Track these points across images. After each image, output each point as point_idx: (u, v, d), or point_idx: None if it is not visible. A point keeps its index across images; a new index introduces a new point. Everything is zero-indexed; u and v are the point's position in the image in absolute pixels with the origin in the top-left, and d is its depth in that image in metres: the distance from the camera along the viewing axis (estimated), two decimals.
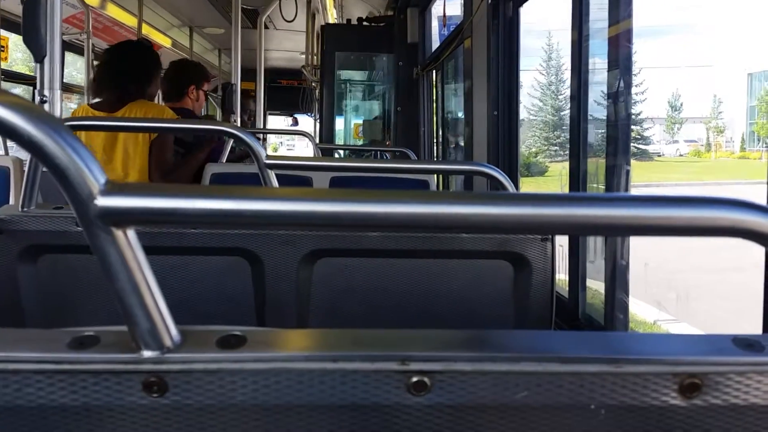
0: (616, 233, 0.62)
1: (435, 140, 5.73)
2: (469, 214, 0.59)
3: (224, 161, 3.39)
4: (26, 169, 1.78)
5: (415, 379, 0.61)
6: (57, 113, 2.24)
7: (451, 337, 0.67)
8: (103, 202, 0.56)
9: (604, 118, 2.05)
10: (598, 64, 2.10)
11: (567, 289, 2.32)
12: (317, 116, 9.36)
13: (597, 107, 2.14)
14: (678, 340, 0.68)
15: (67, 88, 6.90)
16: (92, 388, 0.60)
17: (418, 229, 0.63)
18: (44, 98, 2.12)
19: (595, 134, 2.14)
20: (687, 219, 0.60)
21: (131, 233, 0.58)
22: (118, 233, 0.57)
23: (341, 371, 0.61)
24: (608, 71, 1.96)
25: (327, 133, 6.59)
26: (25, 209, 1.75)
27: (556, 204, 0.61)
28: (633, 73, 1.91)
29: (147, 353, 0.60)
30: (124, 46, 3.29)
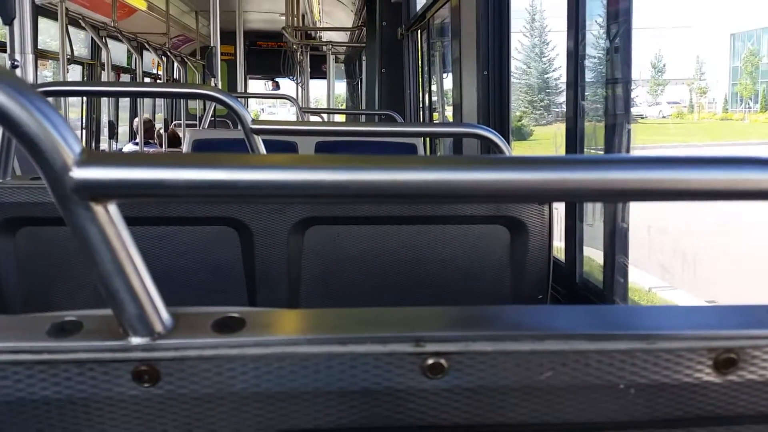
0: (643, 198, 0.56)
1: (421, 103, 5.64)
2: (477, 181, 0.54)
3: (206, 126, 3.30)
4: None
5: (430, 361, 0.57)
6: (30, 79, 2.14)
7: (467, 314, 0.62)
8: (79, 173, 0.49)
9: (602, 77, 1.99)
10: (595, 21, 2.03)
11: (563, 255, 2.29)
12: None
13: (593, 66, 2.07)
14: (711, 312, 0.64)
15: (42, 55, 6.70)
16: (76, 378, 0.54)
17: (425, 198, 0.58)
18: (15, 63, 2.01)
19: (593, 94, 2.08)
20: (719, 181, 0.55)
21: (113, 208, 0.52)
22: (98, 209, 0.51)
23: (350, 354, 0.56)
24: (608, 24, 1.90)
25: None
26: (1, 180, 1.68)
27: (575, 167, 0.55)
28: (633, 27, 1.84)
29: (136, 340, 0.54)
30: None
